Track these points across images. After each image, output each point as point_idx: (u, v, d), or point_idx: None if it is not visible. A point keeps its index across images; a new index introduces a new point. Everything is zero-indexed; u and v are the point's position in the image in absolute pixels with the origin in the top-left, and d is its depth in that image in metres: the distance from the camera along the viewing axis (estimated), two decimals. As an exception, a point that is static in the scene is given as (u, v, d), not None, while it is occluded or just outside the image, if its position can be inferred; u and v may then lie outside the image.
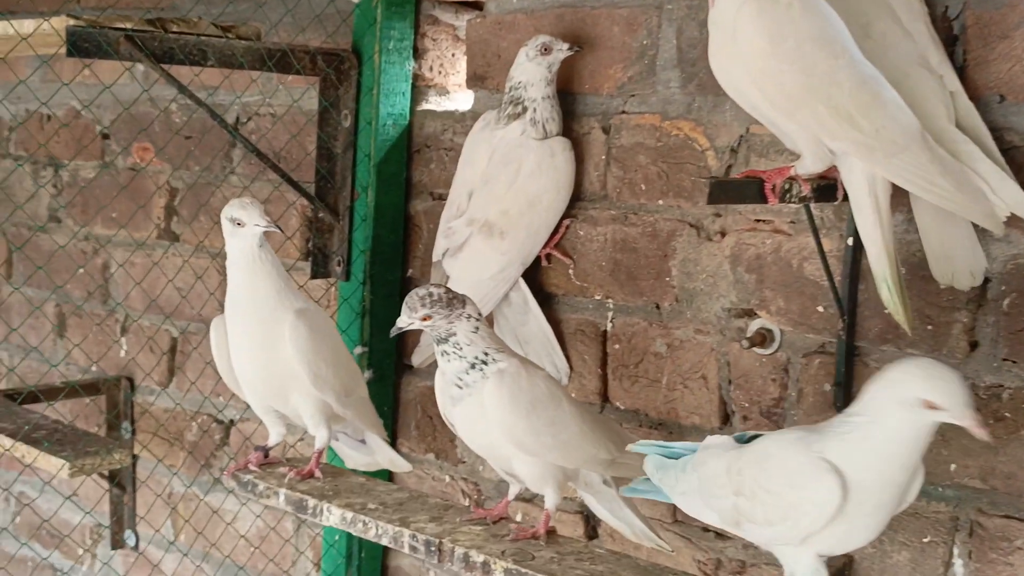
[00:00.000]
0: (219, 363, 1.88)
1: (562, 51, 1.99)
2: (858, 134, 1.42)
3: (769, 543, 1.41)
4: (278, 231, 1.78)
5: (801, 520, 1.32)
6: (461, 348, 1.59)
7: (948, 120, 1.53)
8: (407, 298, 1.59)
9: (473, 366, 1.59)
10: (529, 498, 2.00)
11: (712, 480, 1.42)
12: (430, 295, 1.58)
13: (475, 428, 1.64)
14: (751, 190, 1.49)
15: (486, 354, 1.60)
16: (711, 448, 1.47)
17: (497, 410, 1.58)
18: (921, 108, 1.48)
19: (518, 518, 2.12)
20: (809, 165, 1.48)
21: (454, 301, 1.59)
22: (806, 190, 1.53)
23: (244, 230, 1.76)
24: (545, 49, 1.98)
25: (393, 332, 1.63)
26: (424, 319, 1.57)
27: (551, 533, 1.65)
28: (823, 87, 1.40)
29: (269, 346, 1.79)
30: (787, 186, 1.52)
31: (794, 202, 1.54)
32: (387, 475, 2.26)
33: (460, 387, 1.60)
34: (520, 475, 1.66)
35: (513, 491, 1.73)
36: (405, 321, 1.59)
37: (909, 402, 1.25)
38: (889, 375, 1.30)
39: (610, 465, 1.70)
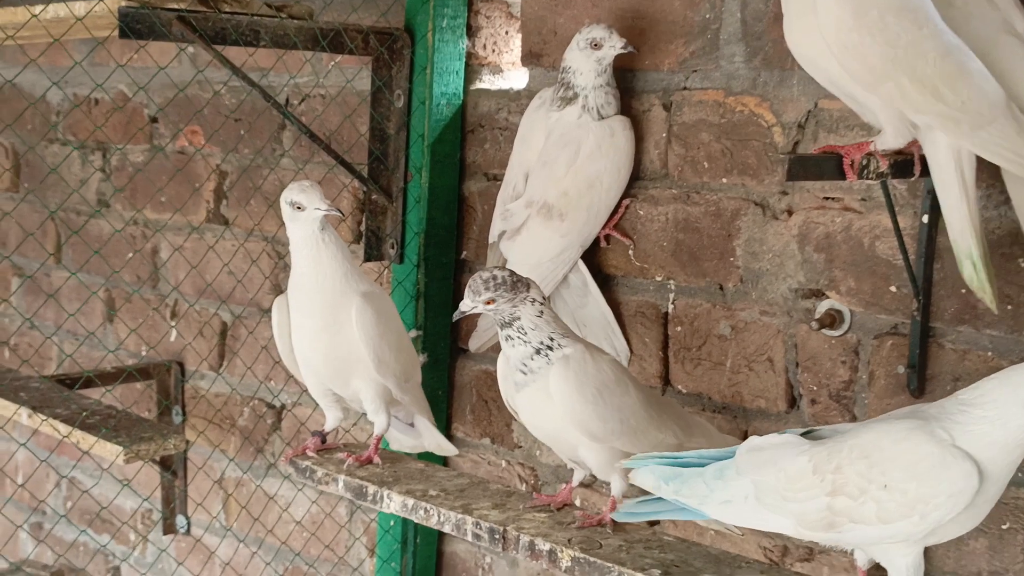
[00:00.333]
0: (280, 343, 1.86)
1: (615, 48, 1.93)
2: (943, 107, 1.36)
3: (877, 542, 1.31)
4: (339, 215, 1.75)
5: (932, 514, 1.24)
6: (525, 333, 1.56)
7: None
8: (471, 281, 1.55)
9: (538, 351, 1.55)
10: (588, 484, 1.96)
11: (789, 483, 1.31)
12: (494, 278, 1.54)
13: (540, 415, 1.60)
14: (829, 166, 1.44)
15: (551, 339, 1.56)
16: (769, 448, 1.36)
17: (563, 397, 1.54)
18: (1010, 77, 1.43)
19: (578, 504, 2.08)
20: (890, 140, 1.43)
21: (518, 284, 1.55)
22: (884, 166, 1.47)
23: (304, 214, 1.74)
24: (595, 44, 1.93)
25: (456, 316, 1.60)
26: (488, 303, 1.54)
27: (614, 523, 1.61)
28: (907, 59, 1.35)
29: (334, 329, 1.76)
30: (865, 162, 1.47)
31: (872, 178, 1.49)
32: (433, 457, 2.25)
33: (524, 373, 1.57)
34: (586, 462, 1.62)
35: (577, 477, 1.70)
36: (468, 305, 1.56)
37: None
38: (1013, 377, 1.24)
39: (676, 449, 1.66)
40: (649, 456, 1.46)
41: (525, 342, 1.56)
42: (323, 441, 1.89)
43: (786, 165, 1.37)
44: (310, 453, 1.87)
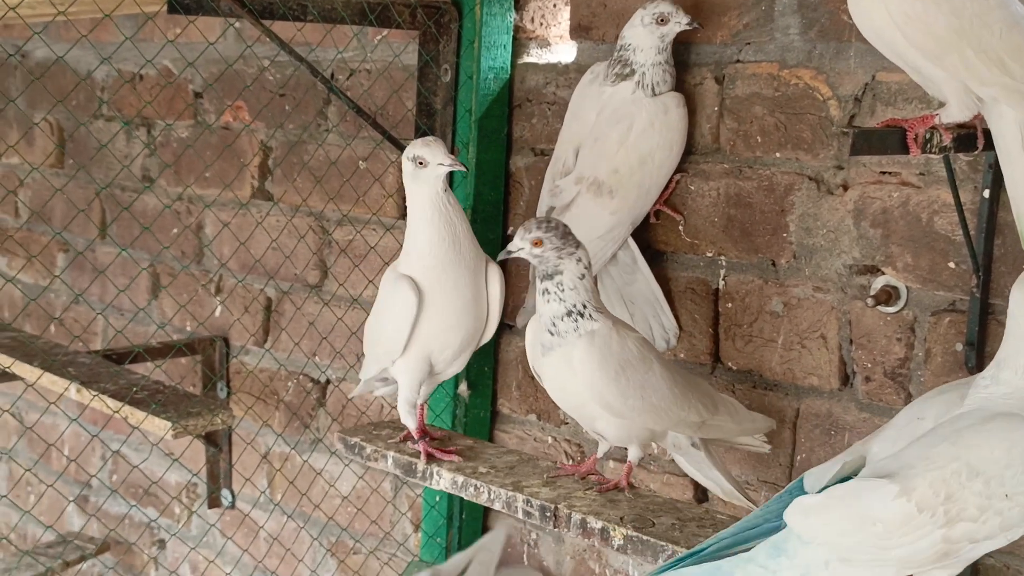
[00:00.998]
0: (403, 323, 1.70)
1: (680, 24, 1.89)
2: (1009, 79, 1.33)
3: (993, 549, 1.23)
4: (464, 168, 1.69)
5: None
6: (564, 291, 1.56)
7: None
8: (524, 223, 1.56)
9: (569, 313, 1.56)
10: (620, 457, 1.95)
11: (890, 532, 1.19)
12: (548, 221, 1.56)
13: (563, 384, 1.61)
14: (893, 140, 1.41)
15: (584, 306, 1.57)
16: (838, 505, 1.22)
17: (586, 371, 1.56)
18: None
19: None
20: (955, 113, 1.40)
21: (569, 237, 1.57)
22: (947, 139, 1.44)
23: (427, 171, 1.65)
24: (662, 20, 1.89)
25: (501, 256, 1.59)
26: (535, 243, 1.54)
27: (630, 487, 1.66)
28: (973, 30, 1.31)
29: (477, 292, 1.71)
30: (928, 135, 1.44)
31: (934, 152, 1.46)
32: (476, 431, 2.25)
33: (552, 334, 1.57)
34: (605, 434, 1.63)
35: (602, 448, 1.72)
36: (517, 244, 1.56)
37: None
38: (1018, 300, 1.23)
39: (700, 427, 1.68)
40: (668, 565, 1.32)
41: (561, 299, 1.56)
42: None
43: (850, 139, 1.35)
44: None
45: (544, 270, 1.56)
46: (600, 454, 1.71)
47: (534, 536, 2.35)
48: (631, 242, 2.04)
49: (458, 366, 1.79)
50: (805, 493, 1.28)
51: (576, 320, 1.56)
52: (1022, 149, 1.38)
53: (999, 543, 1.21)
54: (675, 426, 1.65)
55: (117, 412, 2.02)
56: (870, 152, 1.45)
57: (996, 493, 1.17)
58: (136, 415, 2.12)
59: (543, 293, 1.57)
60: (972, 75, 1.34)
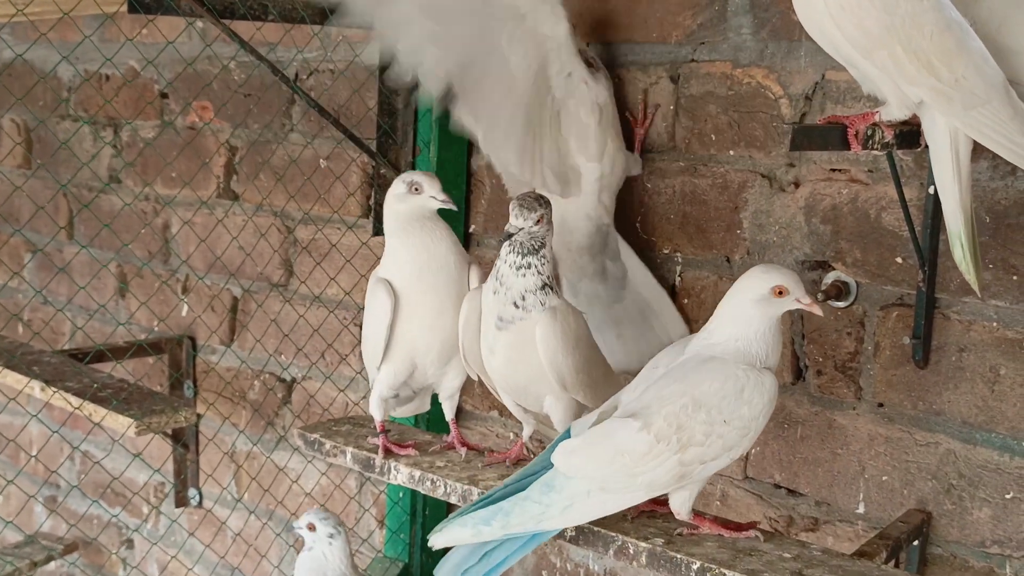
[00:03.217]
0: (380, 325, 1.72)
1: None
2: (936, 82, 1.36)
3: (722, 467, 1.43)
4: (455, 208, 1.72)
5: (759, 425, 1.41)
6: (543, 263, 1.57)
7: None
8: (520, 200, 1.55)
9: (543, 287, 1.57)
10: (540, 439, 1.97)
11: (636, 461, 1.40)
12: (540, 198, 1.57)
13: (518, 359, 1.61)
14: (834, 136, 1.44)
15: (552, 279, 1.59)
16: (592, 444, 1.42)
17: (548, 346, 1.57)
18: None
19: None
20: (894, 111, 1.42)
21: (551, 210, 1.58)
22: (889, 136, 1.47)
23: (419, 198, 1.70)
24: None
25: (505, 236, 1.57)
26: (539, 221, 1.55)
27: (520, 460, 1.70)
28: (904, 28, 1.34)
29: (458, 293, 1.71)
30: (870, 132, 1.46)
31: (877, 149, 1.48)
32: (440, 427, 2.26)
33: (518, 307, 1.57)
34: (552, 412, 1.65)
35: (527, 432, 1.73)
36: (520, 223, 1.55)
37: (763, 294, 1.41)
38: (740, 286, 1.43)
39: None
40: (451, 518, 1.48)
41: (539, 272, 1.57)
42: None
43: (790, 135, 1.38)
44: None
45: (532, 245, 1.56)
46: (526, 437, 1.73)
47: (497, 531, 2.37)
48: (624, 254, 2.02)
49: (455, 376, 1.78)
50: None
51: (547, 293, 1.57)
52: (950, 153, 1.40)
53: (724, 462, 1.41)
54: (598, 403, 1.67)
55: (78, 409, 2.03)
56: (810, 148, 1.48)
57: (716, 420, 1.39)
58: (98, 412, 2.13)
59: (521, 268, 1.56)
60: (901, 73, 1.36)
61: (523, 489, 1.47)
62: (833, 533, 1.87)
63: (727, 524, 1.49)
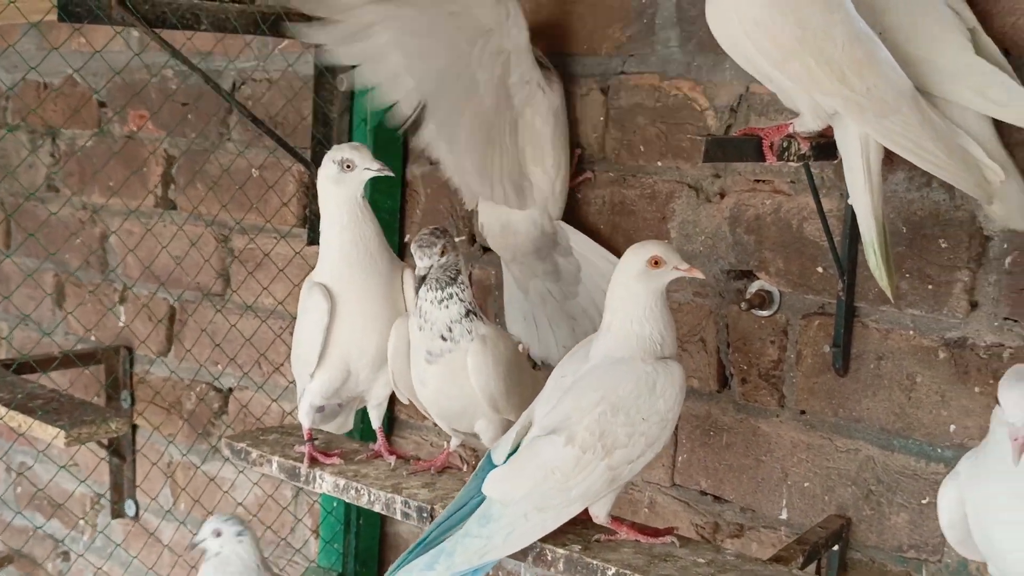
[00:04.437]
0: (316, 330, 1.69)
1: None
2: (848, 91, 1.39)
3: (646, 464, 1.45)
4: (392, 174, 1.68)
5: (675, 416, 1.45)
6: (464, 290, 1.57)
7: (975, 53, 1.49)
8: (417, 240, 1.54)
9: (467, 314, 1.57)
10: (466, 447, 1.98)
11: (568, 475, 1.41)
12: (437, 229, 1.57)
13: (451, 390, 1.62)
14: (748, 148, 1.46)
15: (473, 304, 1.59)
16: (521, 468, 1.43)
17: (480, 373, 1.58)
18: (946, 43, 1.45)
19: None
20: (808, 122, 1.45)
21: (453, 236, 1.58)
22: (805, 148, 1.50)
23: (352, 174, 1.65)
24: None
25: (418, 276, 1.55)
26: (443, 252, 1.55)
27: (446, 469, 1.72)
28: (816, 40, 1.37)
29: (392, 297, 1.70)
30: (786, 144, 1.49)
31: (793, 160, 1.51)
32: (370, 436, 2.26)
33: (445, 339, 1.58)
34: (483, 434, 1.66)
35: (454, 443, 1.75)
36: (427, 263, 1.54)
37: (641, 269, 1.43)
38: (619, 269, 1.47)
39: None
40: (393, 569, 1.47)
41: (461, 300, 1.57)
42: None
43: (703, 147, 1.40)
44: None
45: (448, 276, 1.56)
46: (452, 447, 1.74)
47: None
48: (577, 248, 2.03)
49: (384, 384, 1.75)
50: (495, 466, 1.47)
51: (472, 321, 1.58)
52: (861, 161, 1.44)
53: (648, 457, 1.44)
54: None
55: (3, 418, 2.01)
56: (725, 159, 1.50)
57: (636, 419, 1.41)
58: (26, 422, 2.11)
59: (443, 300, 1.56)
60: (814, 84, 1.39)
61: (457, 524, 1.47)
62: (757, 539, 1.89)
63: (644, 530, 1.50)
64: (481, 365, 1.58)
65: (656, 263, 1.43)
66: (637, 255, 1.45)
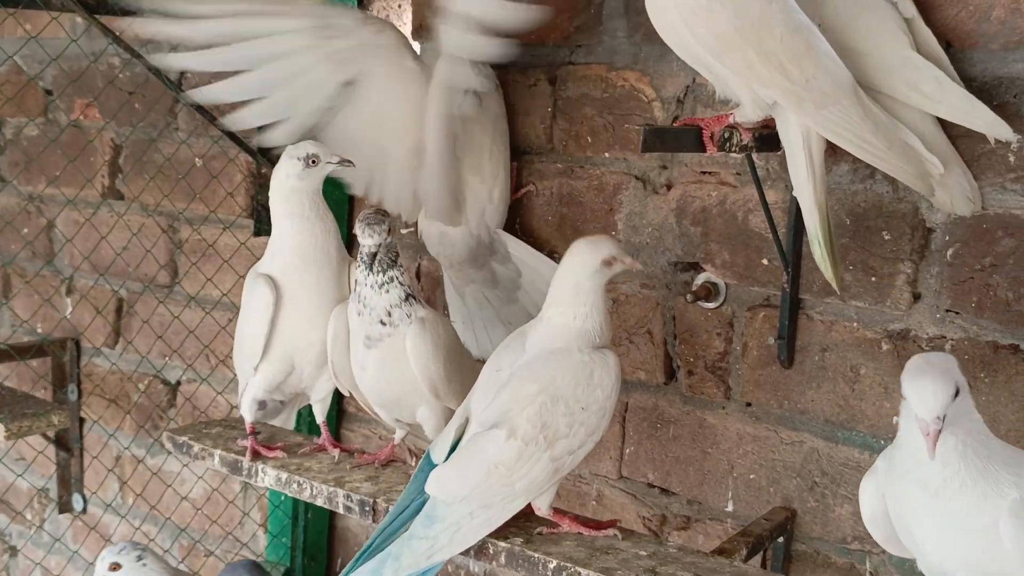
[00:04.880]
0: (260, 322, 1.68)
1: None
2: (788, 83, 1.38)
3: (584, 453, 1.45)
4: (353, 165, 1.68)
5: (612, 404, 1.44)
6: (403, 273, 1.57)
7: (911, 48, 1.49)
8: (363, 218, 1.54)
9: (407, 298, 1.57)
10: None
11: (511, 469, 1.40)
12: (379, 211, 1.56)
13: (390, 375, 1.61)
14: (688, 138, 1.46)
15: (412, 288, 1.59)
16: (463, 466, 1.42)
17: (419, 357, 1.57)
18: (883, 36, 1.45)
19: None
20: (748, 113, 1.44)
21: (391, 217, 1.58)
22: (747, 139, 1.49)
23: (316, 169, 1.65)
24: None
25: (368, 254, 1.54)
26: (389, 232, 1.54)
27: (391, 462, 1.71)
28: (754, 31, 1.36)
29: (341, 291, 1.69)
30: (727, 135, 1.48)
31: (735, 151, 1.51)
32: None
33: (385, 324, 1.57)
34: (425, 422, 1.65)
35: (399, 435, 1.73)
36: (376, 240, 1.53)
37: (596, 268, 1.43)
38: (568, 263, 1.46)
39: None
40: (348, 569, 1.46)
41: (401, 284, 1.56)
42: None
43: (641, 136, 1.39)
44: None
45: (390, 258, 1.55)
46: (398, 440, 1.72)
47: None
48: (516, 255, 2.01)
49: (328, 379, 1.73)
50: (435, 465, 1.45)
51: (411, 305, 1.57)
52: (803, 153, 1.43)
53: (588, 447, 1.43)
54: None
55: (-62, 412, 1.97)
56: (664, 149, 1.49)
57: (575, 409, 1.41)
58: (-36, 416, 2.07)
59: (384, 284, 1.55)
60: (754, 75, 1.38)
61: (401, 526, 1.45)
62: (704, 531, 1.89)
63: (587, 522, 1.49)
64: (420, 347, 1.57)
65: (610, 263, 1.44)
66: (592, 255, 1.44)
